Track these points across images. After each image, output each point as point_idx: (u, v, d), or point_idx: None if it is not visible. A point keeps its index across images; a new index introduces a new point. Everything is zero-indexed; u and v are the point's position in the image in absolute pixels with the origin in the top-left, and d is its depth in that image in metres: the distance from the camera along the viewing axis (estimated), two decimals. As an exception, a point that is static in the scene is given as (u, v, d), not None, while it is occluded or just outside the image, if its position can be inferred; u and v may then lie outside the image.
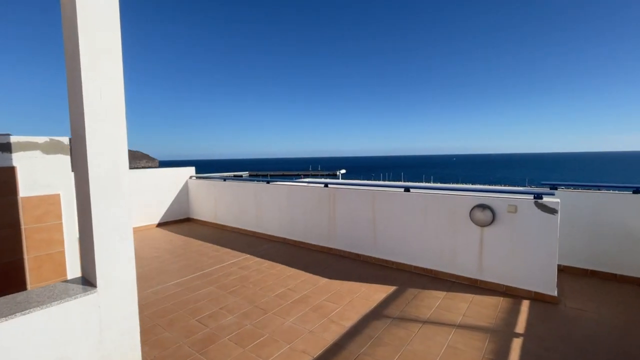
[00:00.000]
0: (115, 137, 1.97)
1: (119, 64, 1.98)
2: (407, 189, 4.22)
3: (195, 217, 7.53)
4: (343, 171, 18.86)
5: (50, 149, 2.80)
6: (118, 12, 1.95)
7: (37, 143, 2.72)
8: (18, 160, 2.62)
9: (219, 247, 5.41)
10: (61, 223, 2.85)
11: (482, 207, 3.55)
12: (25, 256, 2.67)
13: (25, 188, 2.65)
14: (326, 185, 5.05)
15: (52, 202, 2.79)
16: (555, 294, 3.24)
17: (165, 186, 7.25)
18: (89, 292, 1.88)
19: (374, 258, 4.51)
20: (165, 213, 7.25)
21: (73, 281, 2.03)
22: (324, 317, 3.07)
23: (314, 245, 5.20)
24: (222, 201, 6.80)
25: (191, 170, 7.77)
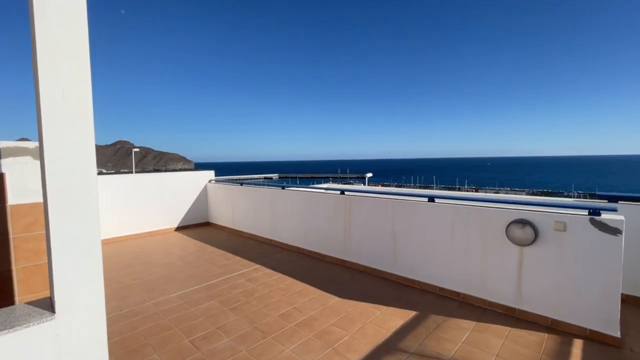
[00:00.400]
0: (79, 144, 1.73)
1: (85, 65, 1.74)
2: (431, 199, 3.72)
3: (214, 222, 7.43)
4: (370, 175, 18.10)
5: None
6: (85, 10, 1.72)
7: (27, 148, 2.61)
8: (7, 166, 2.50)
9: (231, 255, 5.20)
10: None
11: (522, 223, 2.98)
12: (14, 267, 2.55)
13: (15, 195, 2.53)
14: (342, 192, 4.66)
15: (42, 210, 2.66)
16: (618, 334, 2.61)
17: (184, 190, 7.22)
18: (45, 319, 1.64)
19: (394, 275, 4.04)
20: (185, 217, 7.21)
21: (37, 304, 1.81)
22: (328, 346, 2.68)
23: (330, 257, 4.82)
24: (238, 206, 6.62)
25: (210, 173, 7.70)
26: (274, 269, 4.53)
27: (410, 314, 3.20)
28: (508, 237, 3.08)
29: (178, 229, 7.08)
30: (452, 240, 3.49)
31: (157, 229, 6.76)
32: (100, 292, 1.82)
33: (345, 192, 4.63)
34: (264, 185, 6.11)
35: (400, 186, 75.44)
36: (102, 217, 6.04)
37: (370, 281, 4.03)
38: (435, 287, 3.66)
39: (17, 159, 2.55)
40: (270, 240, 5.86)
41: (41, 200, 2.66)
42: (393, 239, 4.02)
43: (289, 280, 4.10)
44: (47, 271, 2.72)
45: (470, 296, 3.39)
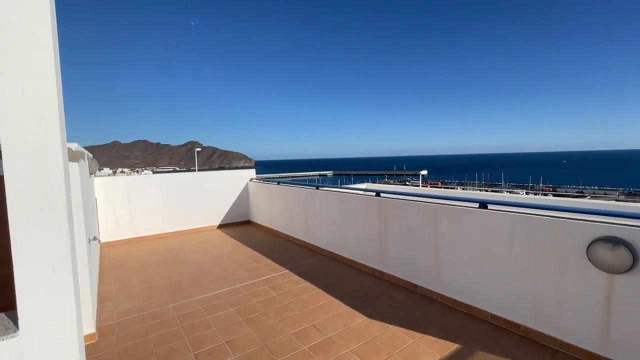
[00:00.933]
0: (42, 146, 1.56)
1: (49, 59, 1.56)
2: (483, 205, 3.01)
3: (254, 221, 7.41)
4: (424, 172, 16.72)
5: (57, 155, 2.70)
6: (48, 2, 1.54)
7: (43, 150, 2.65)
8: (24, 168, 2.56)
9: (262, 257, 5.01)
10: (68, 233, 2.74)
11: (612, 242, 2.18)
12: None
13: (32, 196, 2.58)
14: (377, 194, 4.12)
15: (58, 211, 2.68)
16: None
17: (226, 188, 7.30)
18: (7, 335, 1.51)
19: (436, 294, 3.41)
20: (226, 215, 7.30)
21: (9, 315, 1.71)
22: (342, 381, 2.25)
23: (364, 267, 4.33)
24: (275, 206, 6.45)
25: (251, 172, 7.69)
26: (301, 275, 4.20)
27: (451, 346, 2.60)
28: (590, 260, 2.29)
29: (220, 226, 7.20)
30: (511, 258, 2.77)
31: (200, 226, 6.94)
32: (71, 309, 1.63)
33: (381, 194, 4.09)
34: (298, 184, 5.82)
35: (462, 185, 70.04)
36: (149, 214, 6.35)
37: (406, 299, 3.46)
38: (486, 313, 2.96)
39: (34, 160, 2.60)
40: (304, 242, 5.56)
41: (57, 201, 2.68)
42: (435, 251, 3.39)
43: (314, 290, 3.73)
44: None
45: (534, 331, 2.65)
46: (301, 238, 5.66)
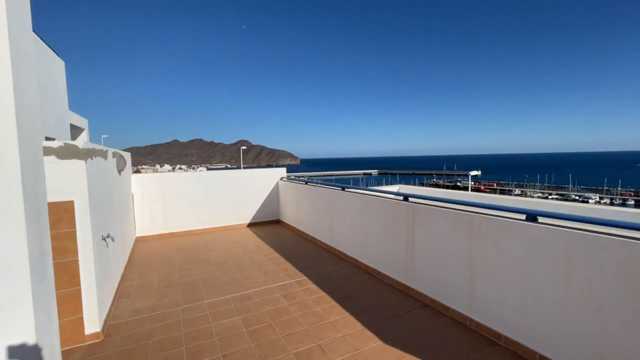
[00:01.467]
0: (-6, 140, 1.44)
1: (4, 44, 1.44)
2: (531, 217, 2.42)
3: (284, 220, 7.26)
4: (474, 172, 15.03)
5: (65, 153, 2.68)
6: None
7: (52, 148, 2.64)
8: (33, 165, 2.58)
9: (283, 260, 4.79)
10: (74, 231, 2.72)
11: None
12: (40, 263, 2.64)
13: (40, 194, 2.60)
14: (406, 198, 3.64)
15: (65, 209, 2.67)
16: None
17: (257, 187, 7.24)
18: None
19: (470, 320, 2.87)
20: (256, 214, 7.25)
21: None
22: (338, 423, 1.89)
23: (388, 278, 3.87)
24: (302, 206, 6.21)
25: (282, 171, 7.54)
26: (319, 284, 3.88)
27: (482, 393, 2.09)
28: (687, 302, 1.65)
29: (250, 225, 7.16)
30: (568, 288, 2.16)
31: (230, 224, 6.97)
32: (30, 319, 1.52)
33: (410, 199, 3.60)
34: (325, 184, 5.50)
35: (521, 187, 64.00)
36: (182, 211, 6.50)
37: (433, 322, 2.97)
38: (533, 353, 2.37)
39: (44, 158, 2.61)
40: (329, 246, 5.22)
41: (64, 199, 2.67)
42: (469, 269, 2.85)
43: (329, 302, 3.39)
44: (70, 270, 2.73)
45: (598, 385, 2.03)
46: (326, 242, 5.34)
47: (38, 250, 1.58)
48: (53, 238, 2.64)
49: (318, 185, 5.68)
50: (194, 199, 6.61)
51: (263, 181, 7.32)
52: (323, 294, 3.61)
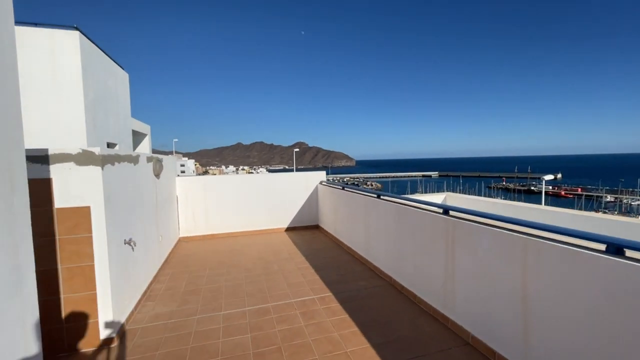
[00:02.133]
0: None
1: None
2: (615, 249, 1.74)
3: (322, 226, 6.97)
4: (548, 177, 12.73)
5: (83, 160, 2.74)
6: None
7: (71, 154, 2.71)
8: (54, 172, 2.67)
9: (312, 271, 4.49)
10: (91, 236, 2.76)
11: None
12: (59, 266, 2.71)
13: (60, 199, 2.66)
14: (445, 211, 3.06)
15: (82, 215, 2.72)
16: None
17: (296, 191, 7.08)
18: None
19: (523, 371, 2.23)
20: (295, 218, 7.08)
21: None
22: None
23: (424, 303, 3.31)
24: (339, 212, 5.85)
25: (321, 174, 7.26)
26: (343, 303, 3.49)
27: None
28: None
29: (288, 229, 7.02)
30: (672, 356, 1.47)
31: (268, 227, 6.91)
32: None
33: (451, 212, 3.02)
34: (360, 191, 5.06)
35: (614, 192, 54.64)
36: (222, 213, 6.61)
37: (474, 368, 2.38)
38: None
39: (62, 164, 2.68)
40: (364, 259, 4.77)
41: (82, 204, 2.72)
42: (523, 306, 2.21)
43: (350, 328, 2.98)
44: (87, 274, 2.76)
45: None
46: (361, 253, 4.90)
47: (9, 265, 1.50)
48: (71, 243, 2.70)
49: (354, 191, 5.27)
50: (234, 202, 6.68)
51: (302, 185, 7.12)
52: (345, 315, 3.21)
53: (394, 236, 3.90)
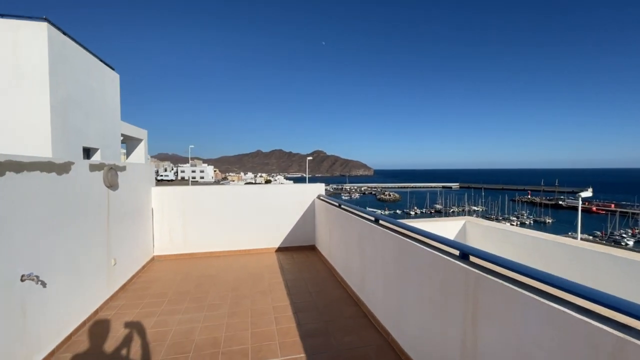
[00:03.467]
0: None
1: None
2: None
3: (318, 248, 6.01)
4: (585, 194, 10.94)
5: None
6: None
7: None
8: None
9: (290, 314, 3.52)
10: None
11: None
12: None
13: None
14: (464, 255, 2.06)
15: None
16: None
17: (290, 205, 6.17)
18: None
19: None
20: (287, 237, 6.16)
21: None
22: None
23: (432, 385, 2.28)
24: (334, 235, 4.88)
25: (320, 187, 6.31)
26: (318, 374, 2.51)
27: None
28: None
29: (279, 249, 6.10)
30: None
31: (256, 247, 6.01)
32: None
33: (471, 257, 2.02)
34: (355, 211, 4.08)
35: (654, 210, 50.59)
36: (203, 229, 5.79)
37: None
38: None
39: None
40: (358, 299, 3.77)
41: None
42: None
43: None
44: None
45: None
46: (355, 290, 3.90)
47: None
48: None
49: (350, 211, 4.29)
50: (218, 216, 5.85)
51: (297, 199, 6.21)
52: (315, 399, 2.23)
53: (394, 277, 2.90)
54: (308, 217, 6.22)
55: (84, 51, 6.25)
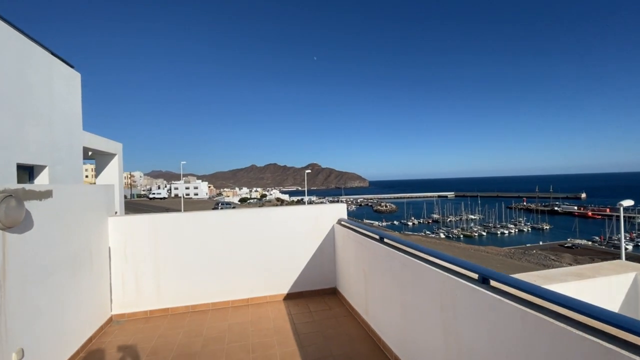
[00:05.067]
0: None
1: None
2: None
3: (341, 291, 4.43)
4: (627, 202, 9.13)
5: None
6: None
7: None
8: None
9: None
10: None
11: None
12: None
13: None
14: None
15: None
16: None
17: (300, 235, 4.57)
18: None
19: None
20: (299, 279, 4.55)
21: None
22: None
23: None
24: (372, 279, 3.31)
25: (340, 209, 4.74)
26: None
27: None
28: None
29: (288, 297, 4.48)
30: None
31: (257, 295, 4.39)
32: None
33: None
34: (426, 257, 2.54)
35: (657, 213, 49.87)
36: (182, 273, 4.17)
37: None
38: None
39: None
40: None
41: None
42: None
43: None
44: None
45: None
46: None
47: None
48: None
49: (410, 252, 2.74)
50: (203, 254, 4.24)
51: (310, 225, 4.62)
52: None
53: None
54: (326, 250, 4.64)
55: (22, 37, 4.73)
